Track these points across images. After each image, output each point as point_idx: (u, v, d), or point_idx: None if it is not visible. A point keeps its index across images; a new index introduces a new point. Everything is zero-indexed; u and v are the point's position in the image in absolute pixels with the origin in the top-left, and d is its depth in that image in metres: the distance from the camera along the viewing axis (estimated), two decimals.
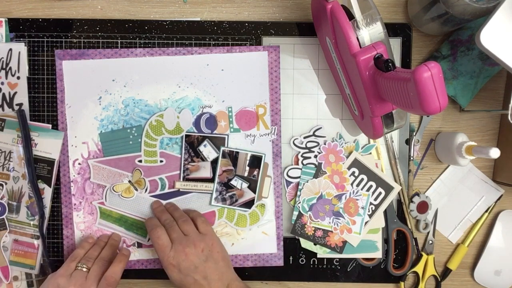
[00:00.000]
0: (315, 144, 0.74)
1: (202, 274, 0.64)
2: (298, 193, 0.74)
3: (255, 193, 0.73)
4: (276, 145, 0.74)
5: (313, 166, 0.74)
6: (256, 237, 0.74)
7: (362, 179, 0.74)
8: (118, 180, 0.73)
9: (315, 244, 0.74)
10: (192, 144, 0.73)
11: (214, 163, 0.73)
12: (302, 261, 0.75)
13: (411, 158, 0.76)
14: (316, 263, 0.75)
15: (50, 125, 0.73)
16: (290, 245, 0.75)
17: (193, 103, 0.73)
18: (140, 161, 0.73)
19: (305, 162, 0.74)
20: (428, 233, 0.77)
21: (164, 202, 0.73)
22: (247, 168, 0.73)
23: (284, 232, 0.75)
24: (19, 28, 0.73)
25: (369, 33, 0.58)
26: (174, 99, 0.73)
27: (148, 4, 0.74)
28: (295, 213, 0.74)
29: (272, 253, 0.74)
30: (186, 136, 0.73)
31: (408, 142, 0.75)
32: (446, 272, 0.77)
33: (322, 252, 0.75)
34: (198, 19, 0.74)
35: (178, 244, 0.65)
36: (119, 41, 0.74)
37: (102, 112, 0.73)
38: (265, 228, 0.74)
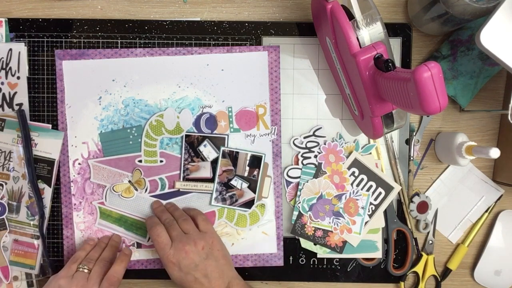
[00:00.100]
0: (315, 144, 0.74)
1: (202, 272, 0.64)
2: (298, 193, 0.74)
3: (255, 193, 0.73)
4: (276, 145, 0.74)
5: (313, 166, 0.74)
6: (256, 237, 0.74)
7: (362, 179, 0.74)
8: (118, 180, 0.73)
9: (315, 244, 0.74)
10: (192, 144, 0.73)
11: (214, 163, 0.73)
12: (302, 261, 0.75)
13: (411, 158, 0.76)
14: (316, 263, 0.75)
15: (50, 125, 0.73)
16: (290, 245, 0.75)
17: (193, 103, 0.73)
18: (140, 161, 0.73)
19: (305, 162, 0.74)
20: (428, 233, 0.77)
21: (164, 202, 0.73)
22: (247, 168, 0.73)
23: (284, 232, 0.75)
24: (19, 28, 0.73)
25: (369, 33, 0.58)
26: (174, 99, 0.73)
27: (148, 4, 0.74)
28: (295, 213, 0.74)
29: (272, 253, 0.74)
30: (186, 136, 0.73)
31: (408, 142, 0.75)
32: (446, 272, 0.78)
33: (322, 252, 0.75)
34: (198, 19, 0.74)
35: (178, 242, 0.65)
36: (119, 41, 0.74)
37: (102, 112, 0.73)
38: (265, 228, 0.74)
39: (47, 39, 0.73)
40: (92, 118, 0.73)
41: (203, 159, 0.73)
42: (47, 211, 0.73)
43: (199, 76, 0.73)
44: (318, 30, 0.72)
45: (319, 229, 0.74)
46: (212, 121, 0.73)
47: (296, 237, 0.74)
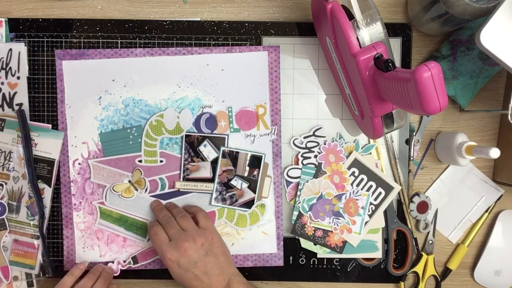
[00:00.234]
0: (315, 144, 0.74)
1: (202, 269, 0.64)
2: (298, 193, 0.74)
3: (255, 193, 0.73)
4: (276, 145, 0.74)
5: (313, 166, 0.74)
6: (256, 237, 0.74)
7: (362, 179, 0.74)
8: (118, 180, 0.73)
9: (315, 244, 0.74)
10: (192, 144, 0.73)
11: (214, 163, 0.73)
12: (302, 261, 0.75)
13: (411, 158, 0.76)
14: (316, 263, 0.75)
15: (50, 125, 0.73)
16: (290, 245, 0.75)
17: (193, 103, 0.73)
18: (140, 161, 0.73)
19: (305, 162, 0.74)
20: (428, 233, 0.77)
21: (164, 202, 0.73)
22: (247, 168, 0.73)
23: (284, 232, 0.75)
24: (19, 28, 0.73)
25: (369, 33, 0.58)
26: (174, 99, 0.73)
27: (148, 4, 0.74)
28: (295, 213, 0.74)
29: (272, 253, 0.74)
30: (186, 136, 0.73)
31: (408, 142, 0.75)
32: (446, 272, 0.77)
33: (322, 252, 0.75)
34: (198, 19, 0.74)
35: (176, 240, 0.65)
36: (119, 41, 0.74)
37: (102, 112, 0.73)
38: (265, 228, 0.74)
39: (47, 39, 0.73)
40: (92, 118, 0.73)
41: (203, 159, 0.73)
42: (47, 211, 0.73)
43: (199, 76, 0.73)
44: (318, 30, 0.72)
45: (319, 229, 0.74)
46: (212, 121, 0.73)
47: (296, 237, 0.74)
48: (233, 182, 0.73)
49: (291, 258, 0.75)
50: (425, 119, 0.76)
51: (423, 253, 0.76)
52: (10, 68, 0.72)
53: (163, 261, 0.65)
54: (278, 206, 0.74)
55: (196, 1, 0.74)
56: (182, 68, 0.73)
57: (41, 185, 0.72)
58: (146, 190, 0.73)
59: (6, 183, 0.72)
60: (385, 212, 0.74)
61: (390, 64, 0.54)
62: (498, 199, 0.77)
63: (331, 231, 0.74)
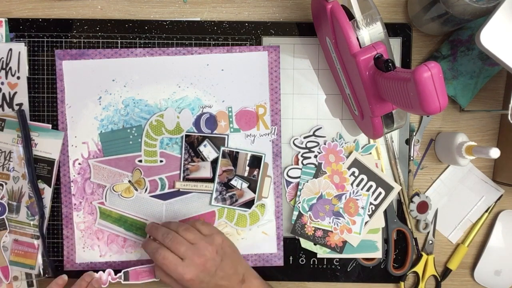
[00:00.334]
0: (315, 144, 0.74)
1: (221, 274, 0.63)
2: (298, 193, 0.74)
3: (255, 193, 0.73)
4: (276, 145, 0.74)
5: (313, 166, 0.74)
6: (256, 237, 0.74)
7: (362, 179, 0.74)
8: (118, 180, 0.73)
9: (315, 244, 0.74)
10: (192, 144, 0.73)
11: (214, 163, 0.73)
12: (302, 261, 0.75)
13: (411, 158, 0.76)
14: (316, 263, 0.75)
15: (50, 125, 0.73)
16: (290, 245, 0.75)
17: (193, 103, 0.73)
18: (140, 161, 0.73)
19: (305, 162, 0.74)
20: (428, 233, 0.77)
21: (164, 203, 0.73)
22: (247, 168, 0.73)
23: (284, 232, 0.75)
24: (19, 28, 0.73)
25: (369, 33, 0.58)
26: (174, 99, 0.73)
27: (148, 4, 0.74)
28: (295, 213, 0.74)
29: (272, 253, 0.74)
30: (186, 136, 0.73)
31: (408, 142, 0.75)
32: (446, 272, 0.77)
33: (322, 252, 0.75)
34: (198, 19, 0.74)
35: (191, 258, 0.61)
36: (119, 41, 0.74)
37: (102, 112, 0.73)
38: (265, 228, 0.74)
39: (47, 39, 0.73)
40: (92, 118, 0.73)
41: (203, 159, 0.73)
42: (47, 211, 0.73)
43: (199, 76, 0.73)
44: (318, 30, 0.72)
45: (319, 229, 0.74)
46: (212, 121, 0.73)
47: (296, 237, 0.74)
48: (233, 182, 0.73)
49: (291, 258, 0.75)
50: (425, 119, 0.76)
51: (423, 253, 0.76)
52: (10, 68, 0.72)
53: (182, 283, 0.61)
54: (278, 206, 0.74)
55: (196, 1, 0.74)
56: (182, 68, 0.73)
57: (41, 185, 0.72)
58: (146, 190, 0.73)
59: (6, 183, 0.72)
60: (385, 212, 0.74)
61: (390, 64, 0.54)
62: (498, 199, 0.77)
63: (331, 231, 0.74)
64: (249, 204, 0.73)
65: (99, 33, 0.73)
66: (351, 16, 0.59)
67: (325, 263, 0.75)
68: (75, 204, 0.73)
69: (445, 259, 0.78)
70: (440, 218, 0.77)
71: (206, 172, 0.73)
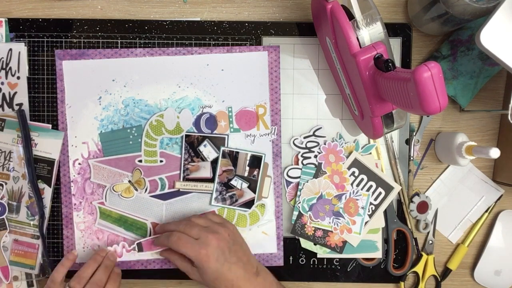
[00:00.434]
0: (315, 144, 0.74)
1: (234, 258, 0.63)
2: (298, 193, 0.74)
3: (255, 193, 0.73)
4: (276, 145, 0.74)
5: (313, 166, 0.74)
6: (256, 237, 0.74)
7: (362, 179, 0.74)
8: (118, 180, 0.73)
9: (315, 244, 0.74)
10: (192, 144, 0.73)
11: (214, 163, 0.73)
12: (302, 261, 0.75)
13: (411, 158, 0.76)
14: (316, 263, 0.75)
15: (50, 125, 0.73)
16: (290, 245, 0.75)
17: (193, 103, 0.73)
18: (140, 161, 0.73)
19: (305, 162, 0.74)
20: (428, 233, 0.77)
21: (163, 203, 0.73)
22: (247, 168, 0.73)
23: (284, 232, 0.75)
24: (19, 28, 0.73)
25: (369, 33, 0.58)
26: (174, 99, 0.73)
27: (148, 4, 0.74)
28: (295, 213, 0.74)
29: (272, 253, 0.74)
30: (186, 136, 0.73)
31: (408, 142, 0.75)
32: (446, 272, 0.77)
33: (322, 252, 0.75)
34: (198, 19, 0.74)
35: (205, 236, 0.62)
36: (119, 41, 0.74)
37: (102, 112, 0.73)
38: (265, 228, 0.74)
39: (47, 39, 0.73)
40: (92, 118, 0.73)
41: (203, 159, 0.73)
42: (47, 211, 0.73)
43: (199, 76, 0.73)
44: (318, 30, 0.72)
45: (319, 229, 0.74)
46: (212, 121, 0.73)
47: (296, 237, 0.74)
48: (233, 182, 0.73)
49: (291, 258, 0.75)
50: (425, 119, 0.76)
51: (423, 253, 0.76)
52: (10, 68, 0.72)
53: (198, 261, 0.62)
54: (278, 206, 0.74)
55: (196, 1, 0.74)
56: (182, 68, 0.73)
57: (41, 185, 0.72)
58: (146, 190, 0.73)
59: (6, 183, 0.72)
60: (385, 212, 0.74)
61: (390, 64, 0.54)
62: (498, 199, 0.77)
63: (331, 231, 0.74)
64: (249, 204, 0.73)
65: (99, 33, 0.73)
66: (351, 16, 0.59)
67: (325, 263, 0.75)
68: (75, 204, 0.73)
69: (445, 259, 0.78)
70: (440, 218, 0.77)
71: (206, 172, 0.73)
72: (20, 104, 0.72)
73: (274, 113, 0.74)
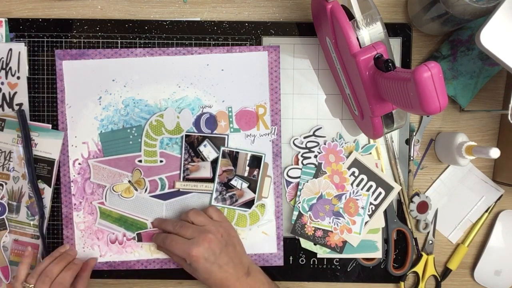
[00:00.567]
0: (315, 144, 0.74)
1: (225, 259, 0.65)
2: (298, 193, 0.74)
3: (255, 193, 0.73)
4: (276, 145, 0.74)
5: (313, 166, 0.74)
6: (256, 237, 0.74)
7: (362, 179, 0.74)
8: (118, 180, 0.73)
9: (315, 244, 0.74)
10: (192, 144, 0.73)
11: (214, 163, 0.73)
12: (302, 261, 0.75)
13: (411, 158, 0.76)
14: (316, 263, 0.75)
15: (50, 125, 0.73)
16: (290, 245, 0.75)
17: (193, 103, 0.73)
18: (140, 161, 0.73)
19: (305, 162, 0.74)
20: (428, 233, 0.77)
21: (163, 203, 0.73)
22: (247, 168, 0.73)
23: (284, 232, 0.75)
24: (19, 28, 0.73)
25: (369, 33, 0.58)
26: (174, 99, 0.73)
27: (148, 4, 0.74)
28: (295, 213, 0.74)
29: (272, 253, 0.74)
30: (186, 136, 0.73)
31: (408, 142, 0.75)
32: (446, 272, 0.77)
33: (322, 252, 0.75)
34: (198, 19, 0.74)
35: (198, 236, 0.64)
36: (119, 41, 0.74)
37: (102, 112, 0.73)
38: (265, 228, 0.74)
39: (47, 39, 0.73)
40: (92, 118, 0.73)
41: (203, 159, 0.73)
42: (47, 211, 0.73)
43: (199, 76, 0.73)
44: (318, 30, 0.72)
45: (319, 229, 0.74)
46: (212, 121, 0.73)
47: (296, 237, 0.74)
48: (233, 182, 0.73)
49: (291, 258, 0.75)
50: (425, 119, 0.76)
51: (423, 253, 0.76)
52: (10, 68, 0.72)
53: (189, 261, 0.64)
54: (278, 206, 0.74)
55: (196, 1, 0.74)
56: (182, 68, 0.73)
57: (41, 185, 0.72)
58: (146, 190, 0.73)
59: (6, 183, 0.72)
60: (385, 212, 0.74)
61: (390, 64, 0.54)
62: (498, 199, 0.77)
63: (331, 231, 0.74)
64: (249, 204, 0.74)
65: (99, 33, 0.73)
66: (351, 16, 0.59)
67: (325, 263, 0.75)
68: (75, 204, 0.73)
69: (445, 259, 0.78)
70: (440, 218, 0.77)
71: (206, 172, 0.73)
72: (20, 104, 0.73)
73: (274, 113, 0.74)
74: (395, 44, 0.74)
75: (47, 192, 0.73)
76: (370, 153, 0.74)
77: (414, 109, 0.51)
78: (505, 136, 0.75)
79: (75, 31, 0.73)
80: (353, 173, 0.73)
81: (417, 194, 0.76)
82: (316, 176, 0.74)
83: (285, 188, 0.74)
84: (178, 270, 0.74)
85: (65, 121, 0.73)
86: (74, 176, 0.73)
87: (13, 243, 0.72)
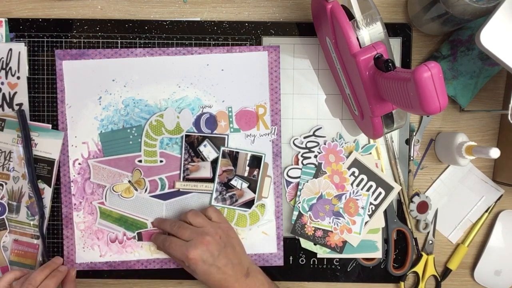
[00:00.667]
0: (315, 144, 0.74)
1: (223, 261, 0.65)
2: (298, 193, 0.74)
3: (255, 193, 0.73)
4: (276, 145, 0.74)
5: (313, 166, 0.74)
6: (256, 237, 0.74)
7: (362, 179, 0.74)
8: (118, 180, 0.73)
9: (315, 244, 0.74)
10: (192, 144, 0.73)
11: (214, 163, 0.73)
12: (302, 261, 0.75)
13: (411, 158, 0.76)
14: (316, 263, 0.75)
15: (50, 125, 0.73)
16: (290, 245, 0.75)
17: (193, 103, 0.73)
18: (140, 161, 0.73)
19: (305, 162, 0.74)
20: (428, 233, 0.77)
21: (164, 203, 0.73)
22: (247, 168, 0.73)
23: (284, 232, 0.75)
24: (19, 28, 0.73)
25: (369, 33, 0.58)
26: (174, 99, 0.73)
27: (148, 4, 0.74)
28: (295, 213, 0.74)
29: (272, 253, 0.74)
30: (186, 136, 0.73)
31: (408, 142, 0.75)
32: (446, 272, 0.77)
33: (322, 252, 0.75)
34: (198, 19, 0.74)
35: (196, 238, 0.64)
36: (119, 41, 0.74)
37: (102, 112, 0.73)
38: (265, 228, 0.74)
39: (47, 39, 0.73)
40: (92, 118, 0.73)
41: (203, 159, 0.73)
42: (47, 211, 0.73)
43: (199, 76, 0.73)
44: (318, 30, 0.72)
45: (319, 229, 0.74)
46: (212, 121, 0.73)
47: (296, 237, 0.74)
48: (233, 182, 0.73)
49: (291, 258, 0.75)
50: (425, 119, 0.76)
51: (423, 253, 0.76)
52: (10, 68, 0.72)
53: (187, 263, 0.64)
54: (278, 206, 0.74)
55: (196, 1, 0.74)
56: (182, 68, 0.73)
57: (41, 185, 0.72)
58: (146, 190, 0.73)
59: (6, 183, 0.72)
60: (385, 212, 0.74)
61: (390, 64, 0.54)
62: (498, 199, 0.77)
63: (331, 231, 0.74)
64: (249, 204, 0.74)
65: (99, 33, 0.73)
66: (351, 16, 0.59)
67: (325, 263, 0.75)
68: (75, 204, 0.73)
69: (445, 259, 0.78)
70: (440, 218, 0.77)
71: (206, 172, 0.73)
72: (20, 104, 0.73)
73: (274, 113, 0.74)
74: (395, 44, 0.74)
75: (47, 192, 0.73)
76: (370, 153, 0.74)
77: (414, 109, 0.51)
78: (505, 136, 0.75)
79: (75, 31, 0.73)
80: (353, 173, 0.73)
81: (417, 194, 0.76)
82: (316, 176, 0.74)
83: (285, 188, 0.74)
84: (178, 270, 0.74)
85: (65, 121, 0.73)
86: (74, 176, 0.73)
87: (13, 243, 0.72)
